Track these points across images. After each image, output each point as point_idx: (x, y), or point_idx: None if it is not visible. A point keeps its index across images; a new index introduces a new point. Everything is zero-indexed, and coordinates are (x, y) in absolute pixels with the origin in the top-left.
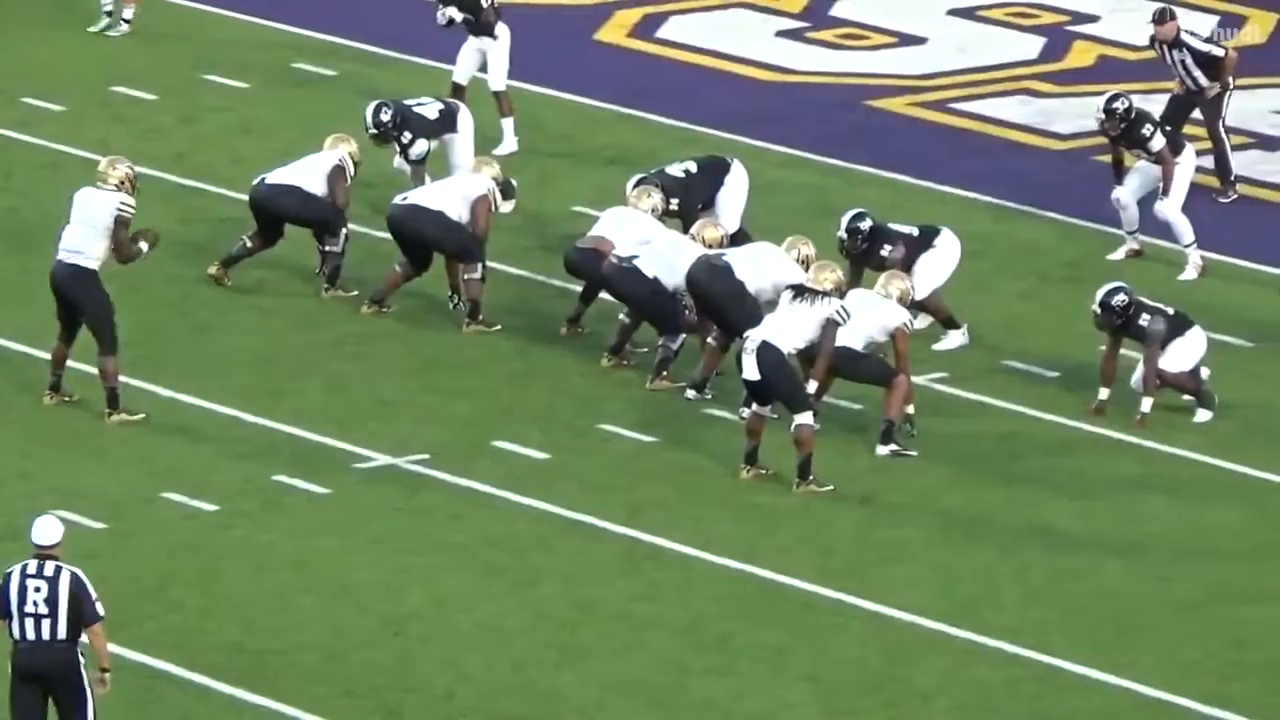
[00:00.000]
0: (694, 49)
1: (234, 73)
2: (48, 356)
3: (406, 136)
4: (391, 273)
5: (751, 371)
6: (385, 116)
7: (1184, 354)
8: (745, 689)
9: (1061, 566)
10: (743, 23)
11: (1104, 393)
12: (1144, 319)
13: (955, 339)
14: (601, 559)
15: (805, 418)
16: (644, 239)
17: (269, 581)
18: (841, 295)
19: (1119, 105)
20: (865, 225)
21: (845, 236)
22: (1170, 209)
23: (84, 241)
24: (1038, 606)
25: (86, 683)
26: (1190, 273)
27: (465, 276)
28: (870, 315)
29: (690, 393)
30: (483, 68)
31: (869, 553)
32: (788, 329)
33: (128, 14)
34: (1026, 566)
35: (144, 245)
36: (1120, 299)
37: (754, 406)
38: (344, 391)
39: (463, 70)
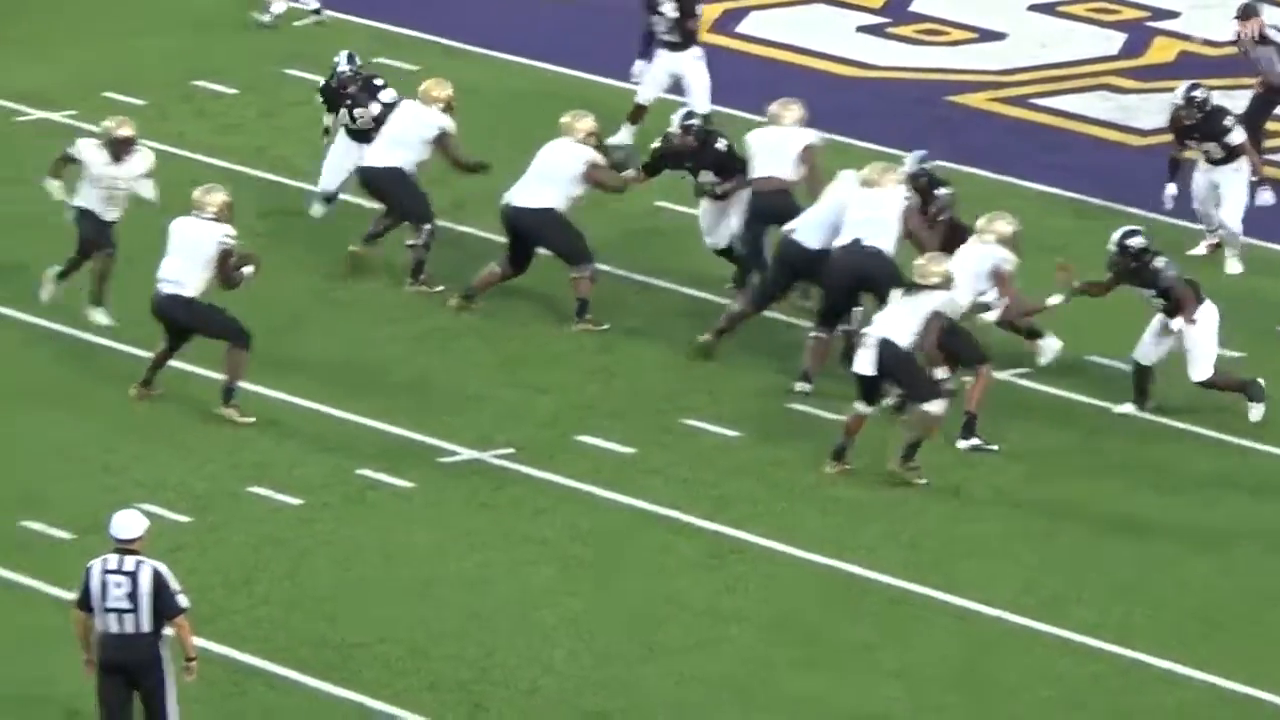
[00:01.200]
0: (774, 44)
1: (315, 66)
2: (130, 350)
3: (379, 81)
4: (489, 271)
5: (865, 366)
6: (359, 61)
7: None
8: (831, 685)
9: (1146, 561)
10: (823, 18)
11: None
12: (1159, 262)
13: (1052, 346)
14: (686, 553)
15: (935, 406)
16: (797, 154)
17: (354, 576)
18: (950, 287)
19: (1199, 94)
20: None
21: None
22: (1232, 216)
23: (183, 272)
24: (1122, 601)
25: (170, 675)
26: (1235, 266)
27: (574, 275)
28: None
29: (799, 385)
30: (671, 89)
31: (954, 548)
32: (903, 324)
33: (278, 8)
34: (1111, 561)
35: (248, 270)
36: (1138, 240)
37: (859, 406)
38: (428, 386)
39: (651, 89)
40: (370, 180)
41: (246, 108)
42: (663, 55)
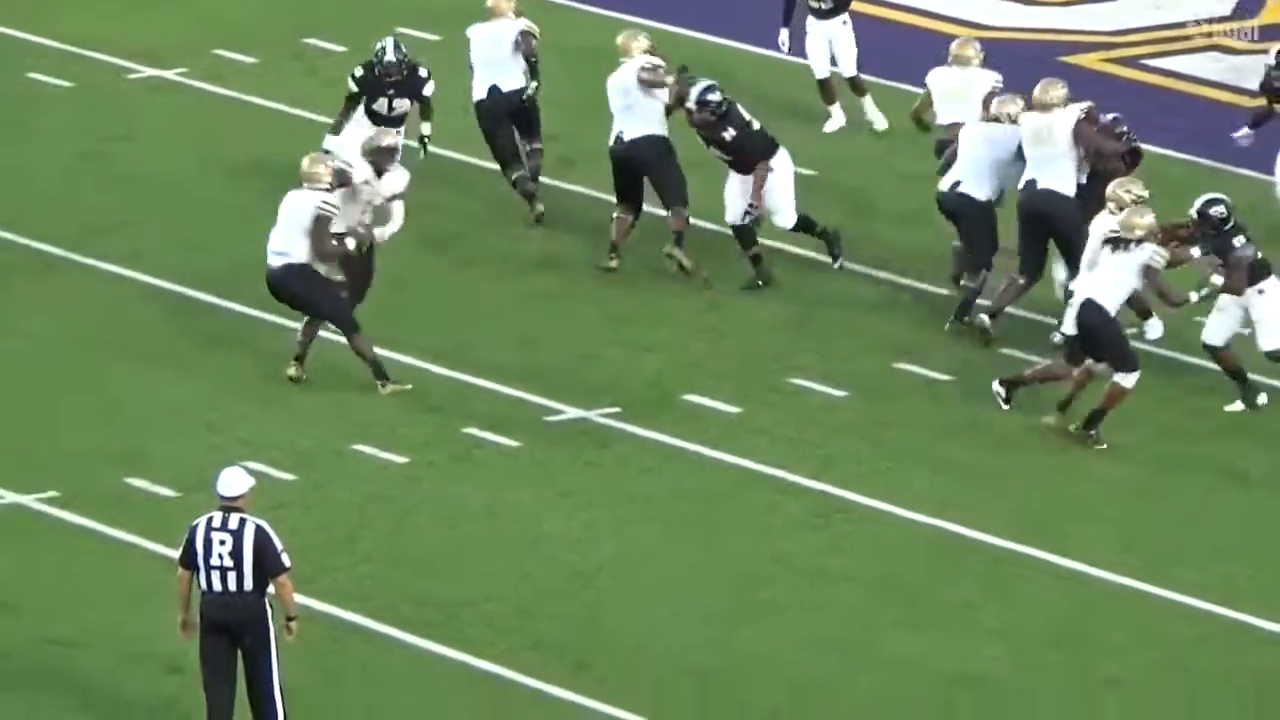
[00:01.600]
0: (889, 4)
1: (426, 24)
2: (238, 308)
3: (424, 72)
4: (618, 220)
5: (1070, 326)
6: (405, 50)
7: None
8: (933, 644)
9: (1250, 522)
10: None
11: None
12: (1238, 240)
13: (1157, 327)
14: (791, 513)
15: (1126, 379)
16: (982, 97)
17: (458, 534)
18: (1157, 239)
19: None
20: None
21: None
22: None
23: (288, 243)
24: (1227, 562)
25: (273, 633)
26: None
27: (672, 214)
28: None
29: (984, 317)
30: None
31: (1058, 508)
32: (1110, 284)
33: None
34: (1216, 522)
35: (350, 243)
36: (1219, 210)
37: (1090, 362)
38: (535, 345)
39: (822, 60)
40: (504, 106)
41: (356, 65)
42: (814, 24)
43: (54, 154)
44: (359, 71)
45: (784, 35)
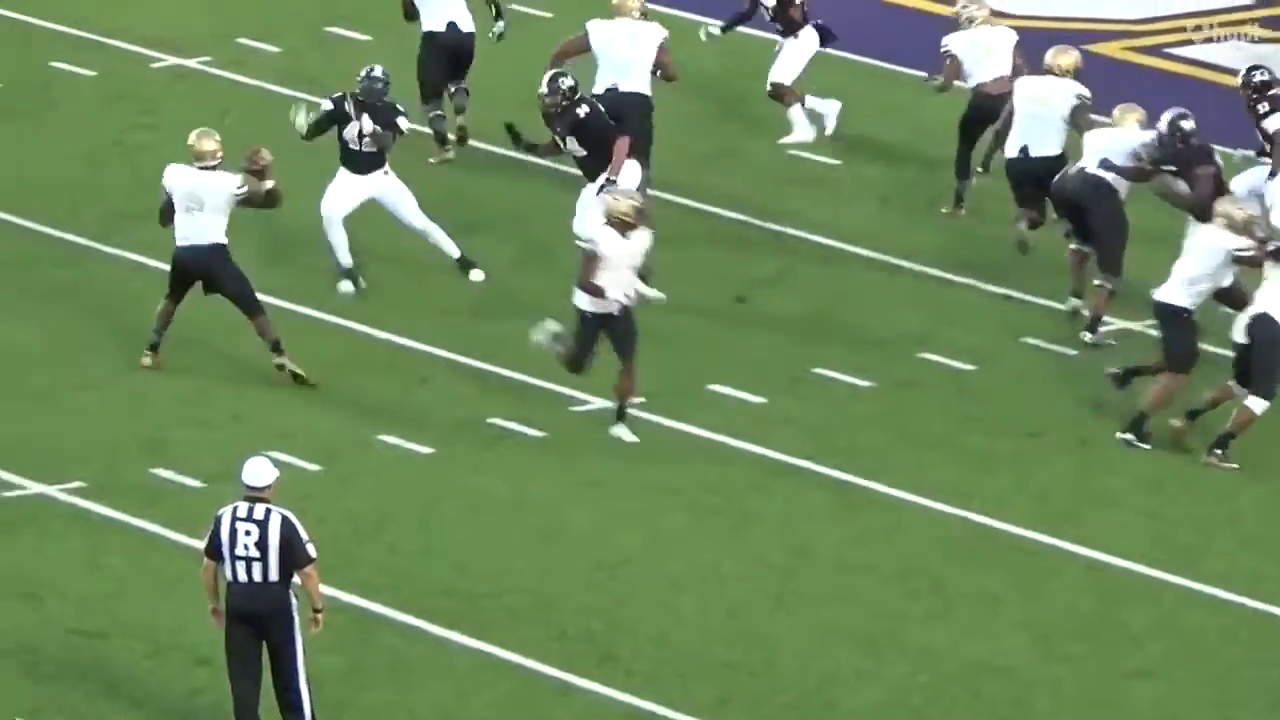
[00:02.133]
0: None
1: None
2: (259, 296)
3: (401, 106)
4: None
5: (1240, 335)
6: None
7: None
8: (959, 635)
9: (1277, 513)
10: None
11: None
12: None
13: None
14: (816, 503)
15: (1256, 404)
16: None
17: (484, 524)
18: None
19: (1257, 76)
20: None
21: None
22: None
23: (184, 225)
24: (1252, 553)
25: (298, 624)
26: None
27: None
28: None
29: (1086, 335)
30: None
31: (1084, 499)
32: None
33: None
34: (1241, 513)
35: (268, 183)
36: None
37: (1232, 382)
38: (559, 335)
39: (788, 73)
40: (453, 43)
41: (379, 54)
42: (781, 42)
43: (77, 143)
44: (336, 94)
45: (705, 32)
